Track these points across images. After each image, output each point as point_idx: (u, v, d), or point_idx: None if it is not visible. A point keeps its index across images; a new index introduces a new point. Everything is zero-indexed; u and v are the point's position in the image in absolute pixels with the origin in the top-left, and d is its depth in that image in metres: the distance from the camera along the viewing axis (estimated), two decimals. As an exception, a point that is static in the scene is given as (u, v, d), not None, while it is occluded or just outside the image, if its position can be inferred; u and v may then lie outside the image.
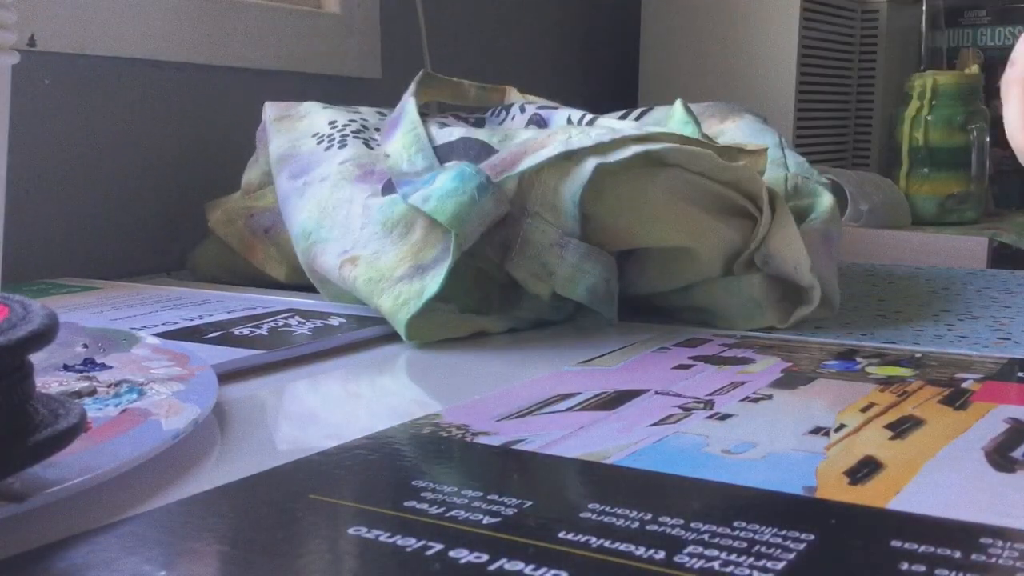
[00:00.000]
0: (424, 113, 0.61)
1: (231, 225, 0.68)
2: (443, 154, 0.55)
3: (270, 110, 0.67)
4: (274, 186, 0.63)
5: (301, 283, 0.64)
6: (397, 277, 0.50)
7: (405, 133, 0.58)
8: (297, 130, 0.64)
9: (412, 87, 0.64)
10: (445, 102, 0.71)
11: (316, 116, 0.66)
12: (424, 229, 0.51)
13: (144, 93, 0.78)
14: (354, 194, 0.56)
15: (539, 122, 0.64)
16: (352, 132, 0.62)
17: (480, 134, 0.56)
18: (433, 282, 0.49)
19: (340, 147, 0.60)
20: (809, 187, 0.63)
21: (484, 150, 0.54)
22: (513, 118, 0.66)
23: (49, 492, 0.27)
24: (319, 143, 0.62)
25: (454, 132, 0.57)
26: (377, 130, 0.64)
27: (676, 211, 0.53)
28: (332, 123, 0.64)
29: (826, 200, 0.61)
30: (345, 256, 0.53)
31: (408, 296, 0.49)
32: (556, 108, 0.65)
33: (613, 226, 0.53)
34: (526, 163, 0.52)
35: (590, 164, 0.51)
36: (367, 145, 0.61)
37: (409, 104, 0.61)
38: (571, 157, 0.52)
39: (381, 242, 0.52)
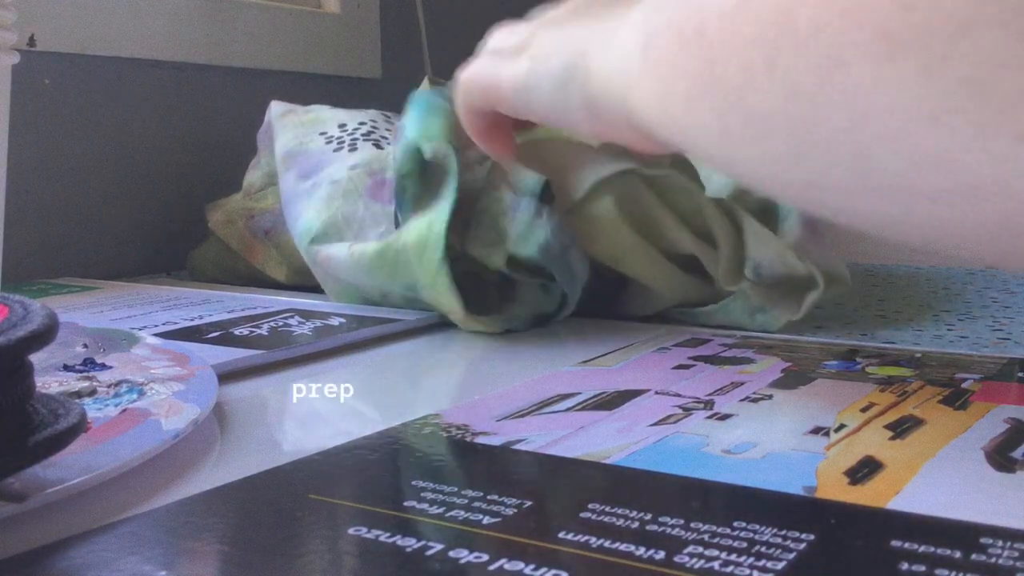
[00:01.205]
0: None
1: (231, 226, 0.68)
2: None
3: (276, 107, 0.67)
4: (276, 187, 0.63)
5: (301, 284, 0.64)
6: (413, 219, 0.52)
7: None
8: (304, 126, 0.64)
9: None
10: None
11: (324, 113, 0.66)
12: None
13: (144, 93, 0.78)
14: (365, 207, 0.57)
15: None
16: (362, 135, 0.63)
17: None
18: (448, 197, 0.51)
19: (351, 150, 0.60)
20: None
21: None
22: None
23: (49, 492, 0.27)
24: (328, 143, 0.62)
25: None
26: (388, 130, 0.64)
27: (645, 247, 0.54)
28: (342, 126, 0.64)
29: None
30: (354, 243, 0.54)
31: (432, 216, 0.50)
32: None
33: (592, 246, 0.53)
34: None
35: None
36: (377, 146, 0.61)
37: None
38: None
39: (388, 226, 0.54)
